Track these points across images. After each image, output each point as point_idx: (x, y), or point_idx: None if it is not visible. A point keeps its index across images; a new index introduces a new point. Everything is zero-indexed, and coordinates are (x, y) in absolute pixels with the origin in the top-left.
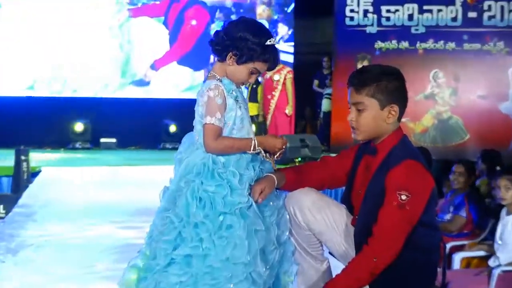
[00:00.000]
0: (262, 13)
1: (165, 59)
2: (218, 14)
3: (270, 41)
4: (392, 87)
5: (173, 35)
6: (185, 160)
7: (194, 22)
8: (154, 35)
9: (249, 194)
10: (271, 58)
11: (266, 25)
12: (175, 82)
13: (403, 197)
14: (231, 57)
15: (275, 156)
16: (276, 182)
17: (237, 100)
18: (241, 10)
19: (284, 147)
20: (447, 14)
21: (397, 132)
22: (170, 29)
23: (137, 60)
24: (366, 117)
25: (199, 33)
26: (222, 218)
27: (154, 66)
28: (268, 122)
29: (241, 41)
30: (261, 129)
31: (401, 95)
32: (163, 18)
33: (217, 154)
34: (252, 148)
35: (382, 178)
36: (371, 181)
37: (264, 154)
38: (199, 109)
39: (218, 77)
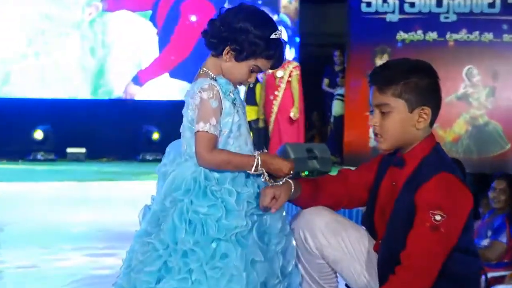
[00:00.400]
0: (288, 5)
1: (153, 69)
2: (227, 6)
3: (275, 34)
4: (423, 85)
5: (164, 36)
6: (171, 174)
7: (193, 18)
8: (138, 36)
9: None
10: (276, 54)
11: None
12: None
13: (438, 218)
14: (228, 52)
15: (278, 182)
16: (292, 190)
17: (235, 104)
18: (259, 1)
19: (291, 172)
20: (483, 0)
21: (429, 140)
22: (160, 27)
23: (114, 71)
24: (392, 121)
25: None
26: (216, 245)
27: (138, 80)
28: (270, 129)
29: (242, 33)
30: (261, 137)
31: (434, 95)
32: (150, 12)
33: (210, 168)
34: (253, 168)
35: (412, 195)
36: (398, 199)
37: (266, 177)
38: (188, 113)
39: (212, 75)
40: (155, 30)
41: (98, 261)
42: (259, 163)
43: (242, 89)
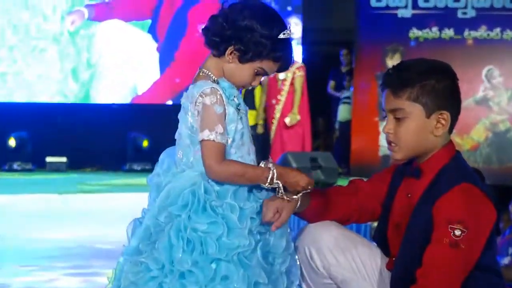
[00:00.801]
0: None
1: (152, 94)
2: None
3: (284, 34)
4: (441, 87)
5: (166, 51)
6: (166, 187)
7: None
8: (133, 52)
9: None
10: (284, 56)
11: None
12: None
13: (457, 232)
14: (232, 52)
15: (295, 197)
16: (299, 203)
17: (239, 109)
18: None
19: (310, 187)
20: None
21: (448, 148)
22: (162, 41)
23: (101, 97)
24: (408, 127)
25: None
26: (216, 266)
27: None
28: (271, 136)
29: (247, 32)
30: (260, 145)
31: (453, 99)
32: (149, 21)
33: (219, 181)
34: (268, 181)
35: (429, 208)
36: (414, 212)
37: (282, 192)
38: (188, 119)
39: (214, 78)
40: (155, 45)
41: (80, 280)
42: (275, 175)
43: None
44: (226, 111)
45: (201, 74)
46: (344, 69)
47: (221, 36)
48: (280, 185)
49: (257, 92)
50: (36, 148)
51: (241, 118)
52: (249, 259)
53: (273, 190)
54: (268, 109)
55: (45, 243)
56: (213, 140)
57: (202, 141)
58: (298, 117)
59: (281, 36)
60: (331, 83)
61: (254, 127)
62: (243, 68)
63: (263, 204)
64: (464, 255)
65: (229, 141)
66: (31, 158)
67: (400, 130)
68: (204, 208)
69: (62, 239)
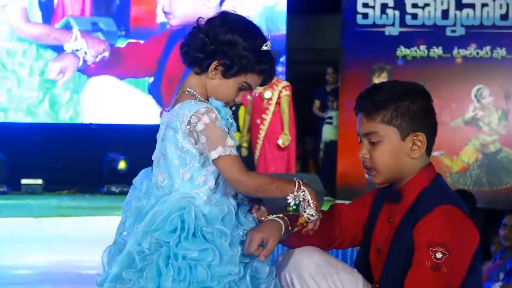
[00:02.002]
0: None
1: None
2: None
3: (266, 46)
4: (415, 109)
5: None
6: (152, 211)
7: None
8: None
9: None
10: (267, 68)
11: None
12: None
13: (439, 255)
14: (215, 68)
15: (311, 220)
16: (283, 231)
17: (229, 129)
18: None
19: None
20: (494, 11)
21: (427, 170)
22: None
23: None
24: (383, 151)
25: None
26: None
27: None
28: (256, 157)
29: (230, 46)
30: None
31: (428, 120)
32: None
33: (250, 193)
34: (295, 188)
35: (410, 230)
36: (395, 236)
37: (309, 201)
38: (177, 139)
39: (199, 97)
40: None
41: None
42: (301, 187)
43: None
44: None
45: (186, 93)
46: (329, 88)
47: (204, 52)
48: (307, 194)
49: (241, 113)
50: (11, 170)
51: (231, 137)
52: (238, 286)
53: (298, 204)
54: (252, 129)
55: (19, 268)
56: (229, 155)
57: (218, 158)
58: (290, 138)
59: (264, 48)
60: (316, 103)
61: (238, 148)
62: (228, 83)
63: (247, 235)
64: (445, 278)
65: None
66: (6, 180)
67: (375, 154)
68: (194, 235)
69: (37, 265)
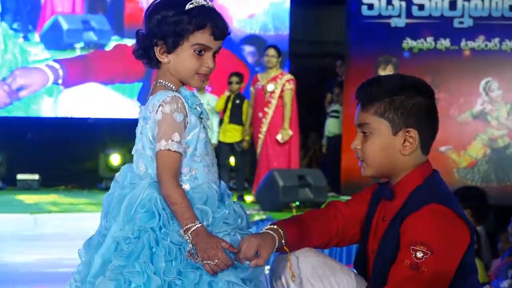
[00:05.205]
0: None
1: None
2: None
3: (191, 4)
4: (411, 104)
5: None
6: (129, 196)
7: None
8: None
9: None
10: (207, 20)
11: None
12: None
13: (419, 254)
14: (159, 50)
15: (210, 267)
16: (277, 243)
17: (201, 118)
18: None
19: (227, 267)
20: (503, 1)
21: (422, 168)
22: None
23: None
24: (373, 144)
25: None
26: (200, 271)
27: None
28: (257, 152)
29: (158, 26)
30: (245, 161)
31: (424, 117)
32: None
33: (162, 195)
34: (184, 229)
35: (398, 229)
36: (384, 234)
37: (190, 249)
38: (147, 130)
39: (172, 87)
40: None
41: None
42: (192, 230)
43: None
44: (188, 119)
45: (158, 85)
46: (340, 79)
47: (145, 44)
48: (190, 241)
49: (245, 107)
50: (7, 165)
51: (204, 127)
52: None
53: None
54: (254, 123)
55: (15, 266)
56: (169, 150)
57: (158, 151)
58: (291, 133)
59: (189, 6)
60: (328, 97)
61: (239, 143)
62: (180, 57)
63: (242, 240)
64: (424, 278)
65: (190, 150)
66: (1, 176)
67: (365, 146)
68: (172, 217)
69: (34, 262)
